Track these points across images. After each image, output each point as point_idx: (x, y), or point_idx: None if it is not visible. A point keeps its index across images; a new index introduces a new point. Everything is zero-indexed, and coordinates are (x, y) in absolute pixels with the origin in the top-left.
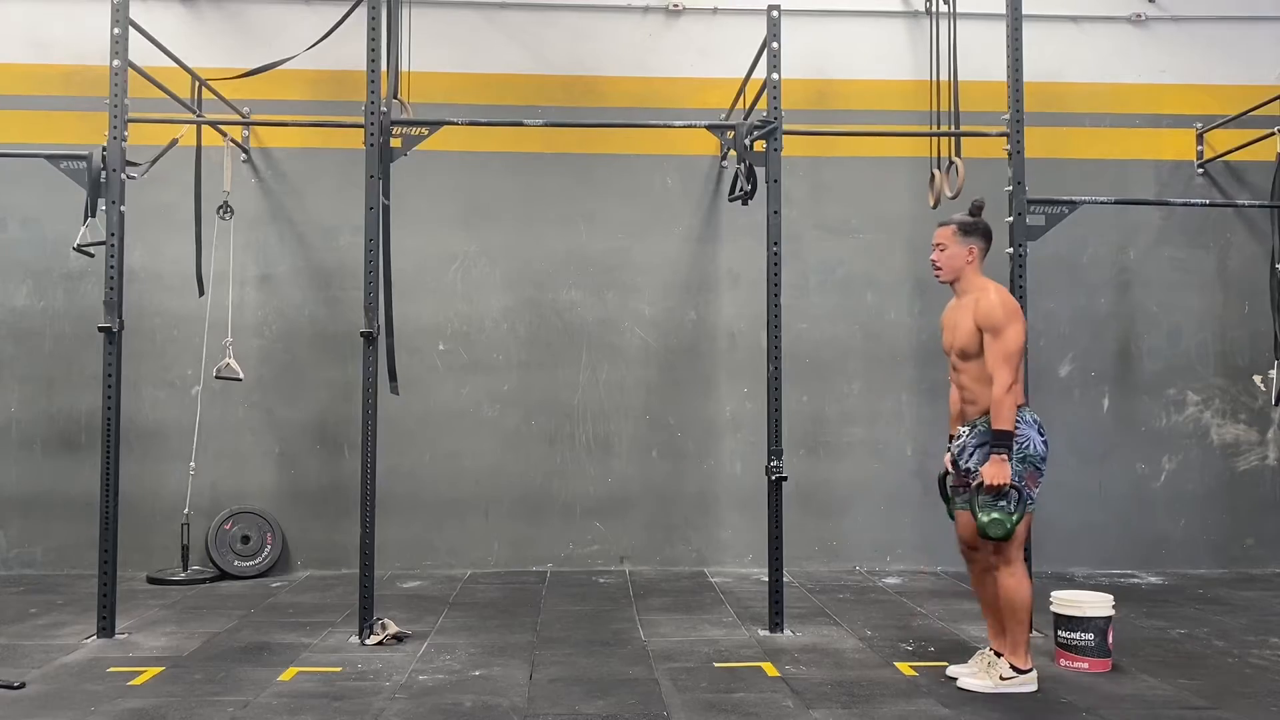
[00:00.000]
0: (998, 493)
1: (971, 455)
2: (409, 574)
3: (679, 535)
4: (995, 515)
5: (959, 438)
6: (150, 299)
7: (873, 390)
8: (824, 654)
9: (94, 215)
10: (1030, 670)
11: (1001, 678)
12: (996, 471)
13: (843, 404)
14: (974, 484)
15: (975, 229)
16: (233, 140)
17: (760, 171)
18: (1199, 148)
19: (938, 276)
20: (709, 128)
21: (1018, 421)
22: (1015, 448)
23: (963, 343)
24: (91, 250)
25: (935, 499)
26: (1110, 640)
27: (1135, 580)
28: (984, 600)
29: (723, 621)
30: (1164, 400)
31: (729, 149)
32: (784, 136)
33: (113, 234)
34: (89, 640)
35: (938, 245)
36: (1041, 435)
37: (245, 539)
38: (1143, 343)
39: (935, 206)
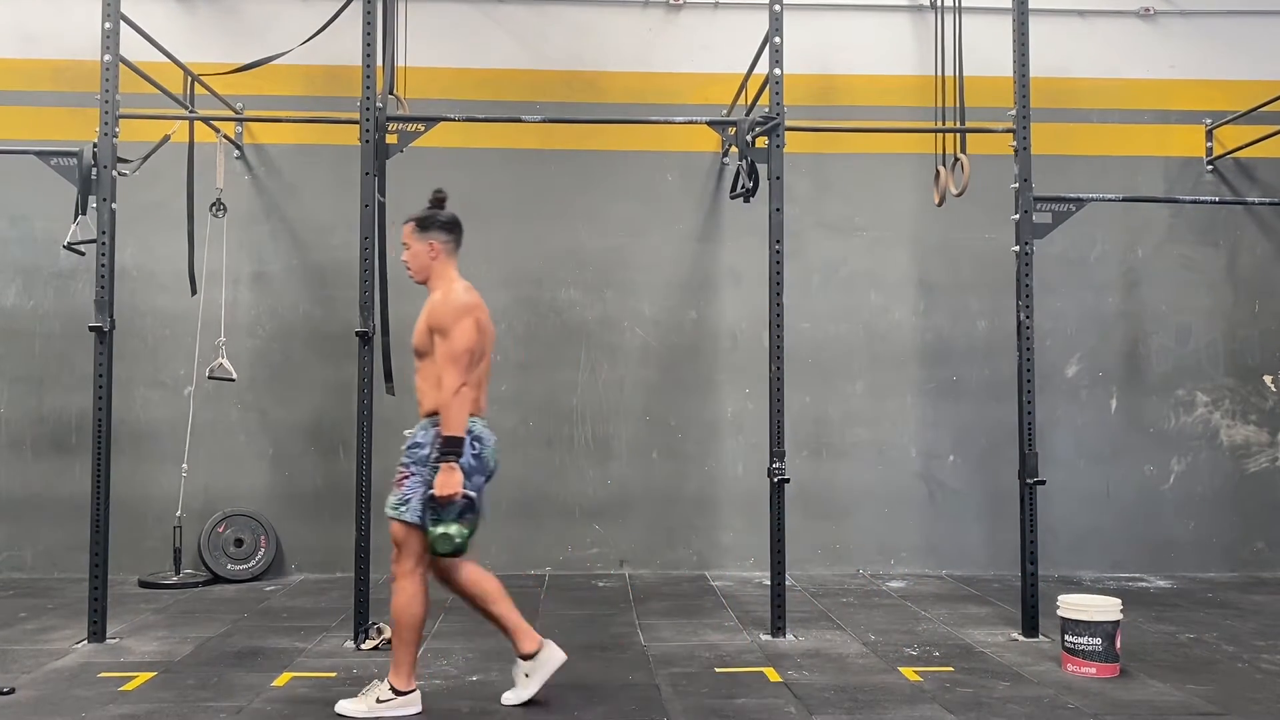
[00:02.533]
0: (448, 504)
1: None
2: None
3: (679, 538)
4: (443, 530)
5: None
6: (142, 298)
7: (876, 391)
8: (827, 659)
9: (84, 212)
10: (412, 692)
11: (378, 700)
12: (446, 481)
13: (846, 405)
14: (424, 495)
15: (433, 222)
16: (226, 136)
17: (762, 168)
18: (1208, 144)
19: (411, 278)
20: (710, 124)
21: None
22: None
23: (416, 341)
24: (82, 248)
25: (941, 502)
26: (1118, 645)
27: (1143, 584)
28: (470, 605)
29: (724, 626)
30: (1173, 401)
31: (730, 145)
32: (786, 133)
33: (104, 231)
34: (79, 645)
35: (404, 245)
36: (474, 448)
37: (239, 542)
38: (1151, 342)
39: (940, 204)
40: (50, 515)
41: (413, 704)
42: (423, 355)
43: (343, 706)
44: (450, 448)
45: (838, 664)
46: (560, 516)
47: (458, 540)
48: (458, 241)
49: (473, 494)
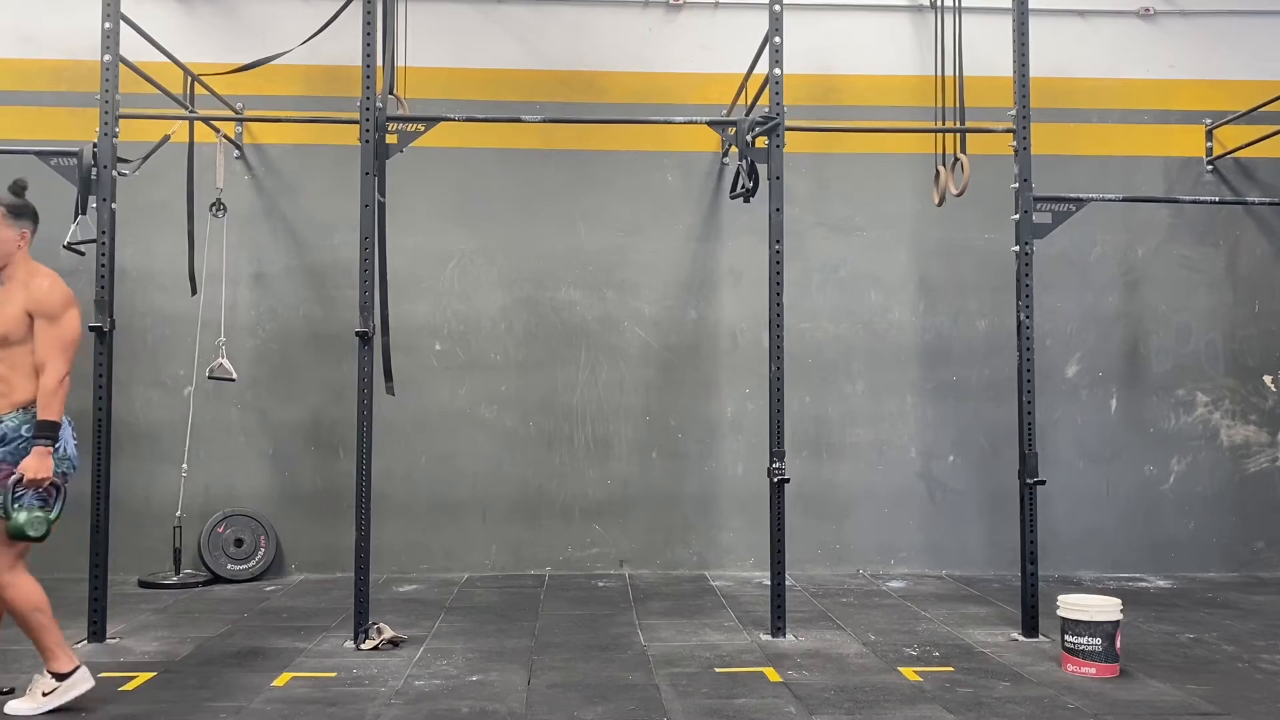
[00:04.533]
0: (39, 489)
1: None
2: (405, 578)
3: (679, 538)
4: (37, 514)
5: None
6: (142, 298)
7: (876, 391)
8: (827, 659)
9: (84, 212)
10: (75, 669)
11: (44, 694)
12: (40, 465)
13: (846, 405)
14: (12, 479)
15: (25, 211)
16: (226, 136)
17: (762, 168)
18: (1208, 144)
19: None
20: (710, 123)
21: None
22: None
23: (6, 329)
24: (82, 248)
25: (941, 502)
26: (1118, 645)
27: (1143, 584)
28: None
29: (724, 626)
30: (1173, 401)
31: (730, 145)
32: (786, 133)
33: (104, 231)
34: (80, 645)
35: None
36: (75, 439)
37: (238, 542)
38: (1151, 342)
39: (940, 204)
40: None
41: (80, 682)
42: (11, 344)
43: (12, 708)
44: (46, 432)
45: (838, 664)
46: (560, 516)
47: (48, 525)
48: (35, 232)
49: (59, 482)
